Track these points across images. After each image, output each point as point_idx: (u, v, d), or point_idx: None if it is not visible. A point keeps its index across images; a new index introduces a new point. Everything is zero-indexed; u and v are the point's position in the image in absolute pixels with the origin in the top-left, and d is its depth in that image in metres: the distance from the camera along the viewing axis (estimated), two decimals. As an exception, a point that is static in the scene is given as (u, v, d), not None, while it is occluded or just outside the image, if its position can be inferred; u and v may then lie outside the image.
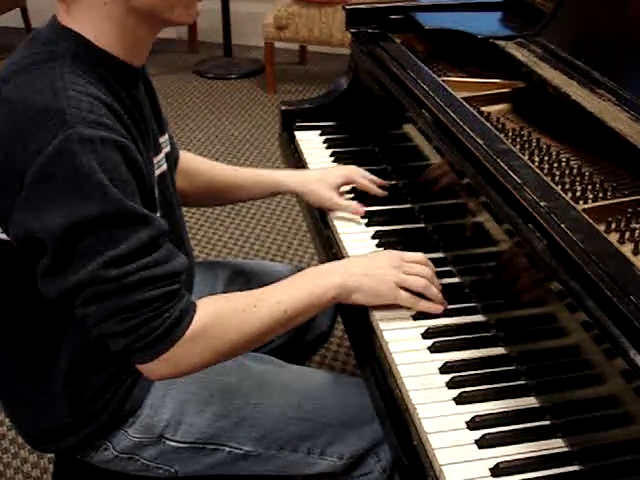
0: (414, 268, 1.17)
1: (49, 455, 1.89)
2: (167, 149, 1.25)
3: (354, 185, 1.49)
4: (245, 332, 1.07)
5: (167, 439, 1.20)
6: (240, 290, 1.47)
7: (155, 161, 1.17)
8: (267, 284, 1.45)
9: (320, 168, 1.53)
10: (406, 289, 1.15)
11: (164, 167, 1.21)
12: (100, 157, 0.94)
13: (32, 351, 1.14)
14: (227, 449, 1.21)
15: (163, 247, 1.01)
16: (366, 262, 1.19)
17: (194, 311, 1.04)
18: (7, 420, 1.98)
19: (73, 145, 0.92)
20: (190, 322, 1.02)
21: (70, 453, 1.23)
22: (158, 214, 1.10)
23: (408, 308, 1.16)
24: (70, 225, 0.93)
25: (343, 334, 2.29)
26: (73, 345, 1.11)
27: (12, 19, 4.38)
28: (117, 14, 1.01)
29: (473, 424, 0.98)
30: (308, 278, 1.15)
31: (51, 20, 1.05)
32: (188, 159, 1.45)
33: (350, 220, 1.43)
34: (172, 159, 1.30)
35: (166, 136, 1.27)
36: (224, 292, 1.49)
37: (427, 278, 1.17)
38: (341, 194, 1.48)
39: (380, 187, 1.50)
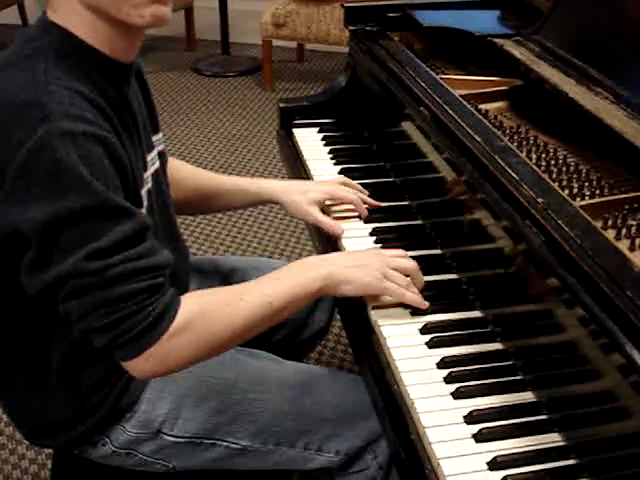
0: (398, 262, 1.18)
1: (47, 451, 1.90)
2: (160, 147, 1.25)
3: (341, 201, 1.45)
4: (231, 324, 1.05)
5: (165, 434, 1.20)
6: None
7: (148, 159, 1.17)
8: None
9: (303, 181, 1.50)
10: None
11: (157, 165, 1.21)
12: (81, 150, 0.94)
13: (25, 347, 1.14)
14: (224, 444, 1.22)
15: (147, 241, 1.00)
16: (351, 255, 1.20)
17: (178, 305, 1.02)
18: (5, 416, 1.98)
19: (54, 139, 0.92)
20: (174, 316, 1.01)
21: (68, 448, 1.23)
22: (143, 210, 1.10)
23: (405, 305, 1.17)
24: (52, 218, 0.93)
25: (341, 331, 2.30)
26: (63, 340, 1.11)
27: (10, 16, 4.38)
28: (79, 8, 1.01)
29: (470, 418, 0.98)
30: (293, 271, 1.14)
31: (40, 16, 1.05)
32: (174, 165, 1.43)
33: (348, 217, 1.44)
34: (165, 158, 1.30)
35: (160, 135, 1.27)
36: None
37: (411, 271, 1.17)
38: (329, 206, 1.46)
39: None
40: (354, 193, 1.44)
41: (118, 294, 0.96)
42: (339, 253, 1.21)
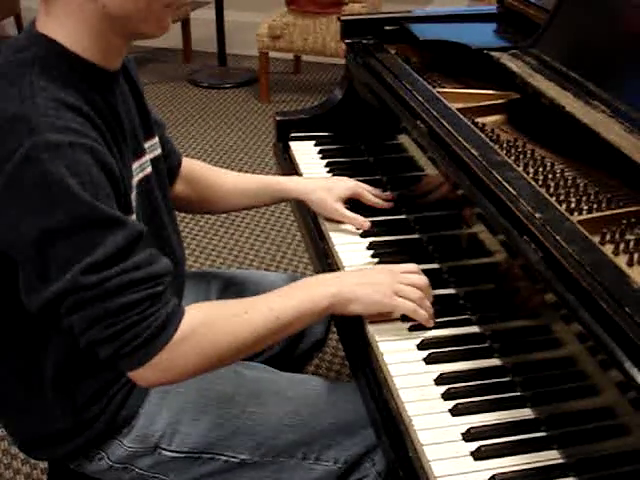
0: (409, 278, 1.17)
1: (42, 466, 1.88)
2: (155, 153, 1.25)
3: (360, 199, 1.49)
4: (236, 337, 1.05)
5: (163, 449, 1.20)
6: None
7: (136, 165, 1.16)
8: (261, 294, 1.46)
9: (325, 178, 1.52)
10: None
11: (148, 170, 1.20)
12: (69, 161, 0.93)
13: (19, 357, 1.14)
14: (223, 458, 1.21)
15: (143, 250, 1.00)
16: (360, 273, 1.20)
17: (182, 315, 1.02)
18: (0, 431, 1.97)
19: (40, 152, 0.92)
20: (178, 325, 1.01)
21: (64, 462, 1.22)
22: (133, 217, 1.09)
23: (403, 320, 1.17)
24: (43, 233, 0.93)
25: (338, 344, 2.29)
26: (57, 351, 1.11)
27: (6, 27, 4.39)
28: (92, 18, 1.01)
29: (469, 436, 0.98)
30: (301, 287, 1.14)
31: (28, 26, 1.06)
32: (191, 165, 1.45)
33: (345, 231, 1.43)
34: (164, 163, 1.29)
35: (154, 140, 1.26)
36: (217, 301, 1.50)
37: (422, 287, 1.17)
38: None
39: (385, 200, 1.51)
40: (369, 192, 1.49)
41: (118, 305, 0.96)
42: (350, 271, 1.21)
